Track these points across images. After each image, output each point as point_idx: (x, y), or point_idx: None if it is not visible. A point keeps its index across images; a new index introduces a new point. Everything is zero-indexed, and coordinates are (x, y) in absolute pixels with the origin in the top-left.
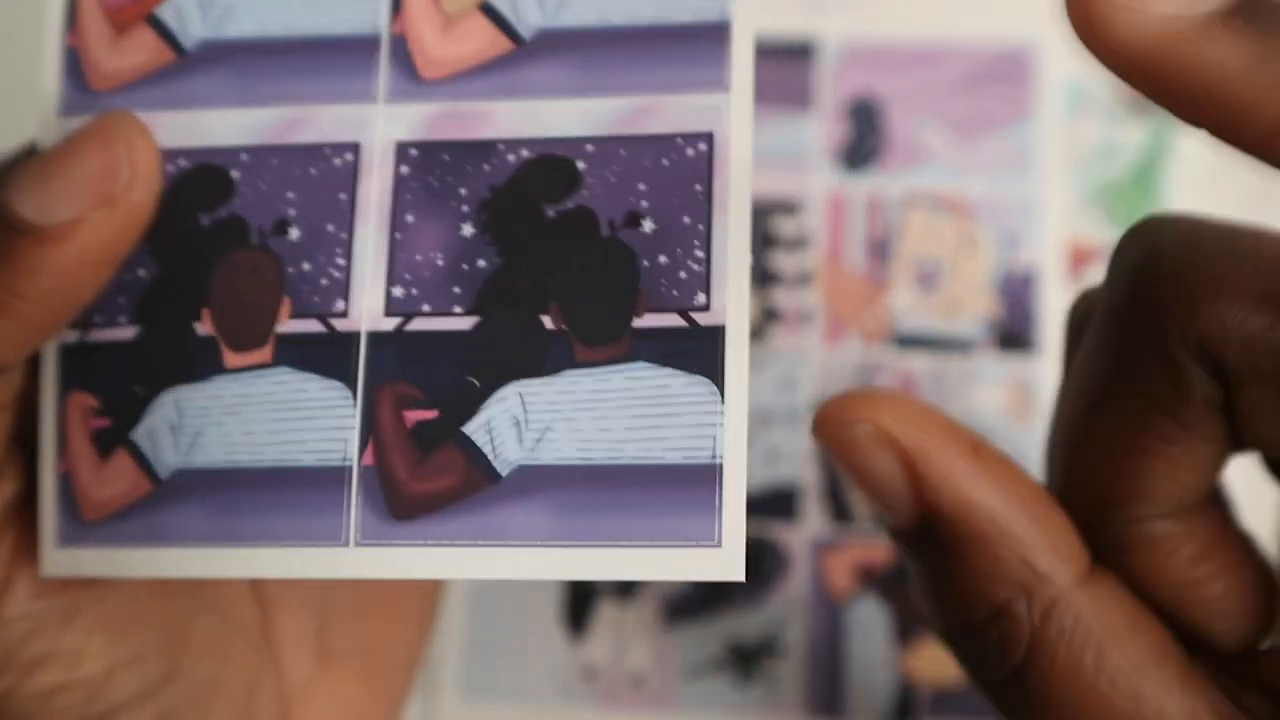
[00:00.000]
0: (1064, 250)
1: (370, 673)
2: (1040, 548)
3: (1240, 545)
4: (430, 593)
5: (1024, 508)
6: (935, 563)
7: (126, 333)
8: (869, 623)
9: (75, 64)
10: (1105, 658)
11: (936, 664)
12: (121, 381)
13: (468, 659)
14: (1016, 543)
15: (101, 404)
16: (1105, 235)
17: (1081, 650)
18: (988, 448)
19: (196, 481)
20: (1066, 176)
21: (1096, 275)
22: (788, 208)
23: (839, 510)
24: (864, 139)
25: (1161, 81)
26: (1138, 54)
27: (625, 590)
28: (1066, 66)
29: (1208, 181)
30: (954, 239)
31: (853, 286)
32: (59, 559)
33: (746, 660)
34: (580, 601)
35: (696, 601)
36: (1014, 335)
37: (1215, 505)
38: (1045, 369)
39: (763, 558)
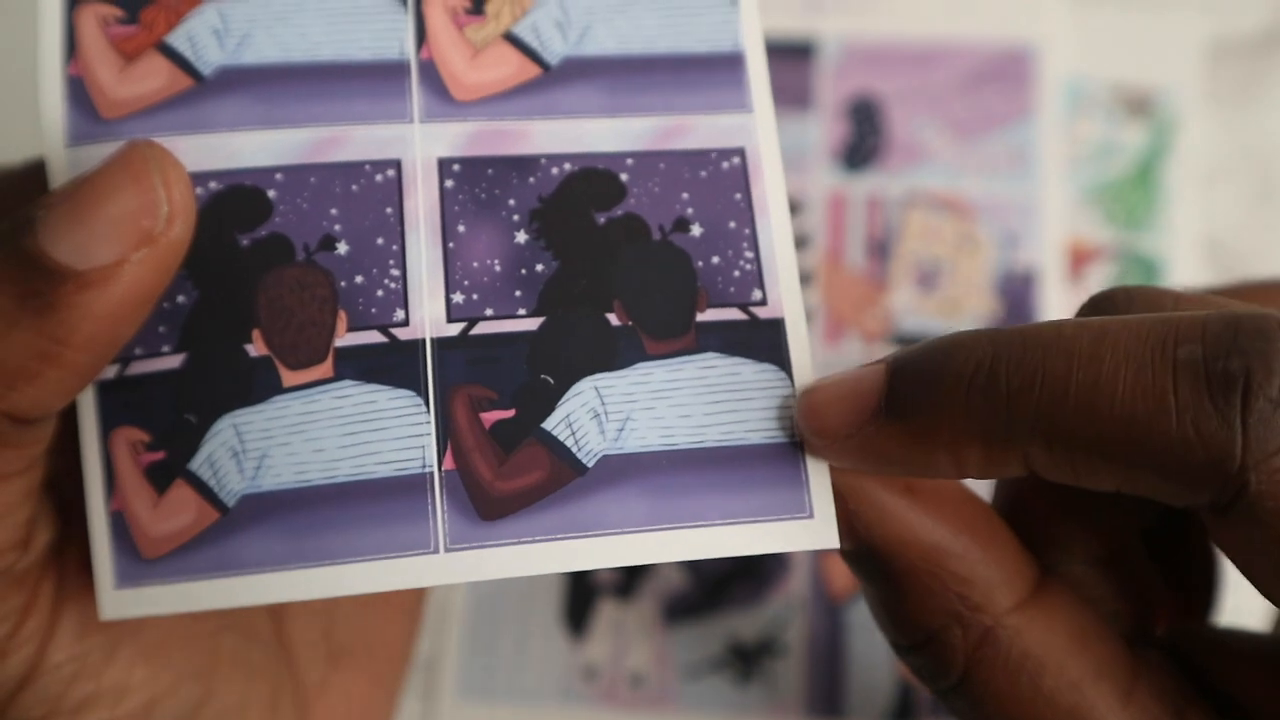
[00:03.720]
0: (1064, 250)
1: (374, 668)
2: (974, 580)
3: (1148, 595)
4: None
5: (961, 540)
6: (877, 587)
7: (172, 361)
8: (869, 623)
9: (81, 93)
10: (1042, 679)
11: None
12: (172, 412)
13: (468, 659)
14: (949, 576)
15: (153, 437)
16: (1105, 235)
17: (1017, 672)
18: (928, 480)
19: (268, 505)
20: (1066, 176)
21: (1096, 275)
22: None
23: None
24: (864, 139)
25: (873, 469)
26: (848, 463)
27: (625, 590)
28: (1066, 66)
29: (1207, 181)
30: (954, 239)
31: (853, 286)
32: (120, 600)
33: (746, 660)
34: (580, 601)
35: (696, 601)
36: None
37: (1133, 556)
38: None
39: (763, 558)
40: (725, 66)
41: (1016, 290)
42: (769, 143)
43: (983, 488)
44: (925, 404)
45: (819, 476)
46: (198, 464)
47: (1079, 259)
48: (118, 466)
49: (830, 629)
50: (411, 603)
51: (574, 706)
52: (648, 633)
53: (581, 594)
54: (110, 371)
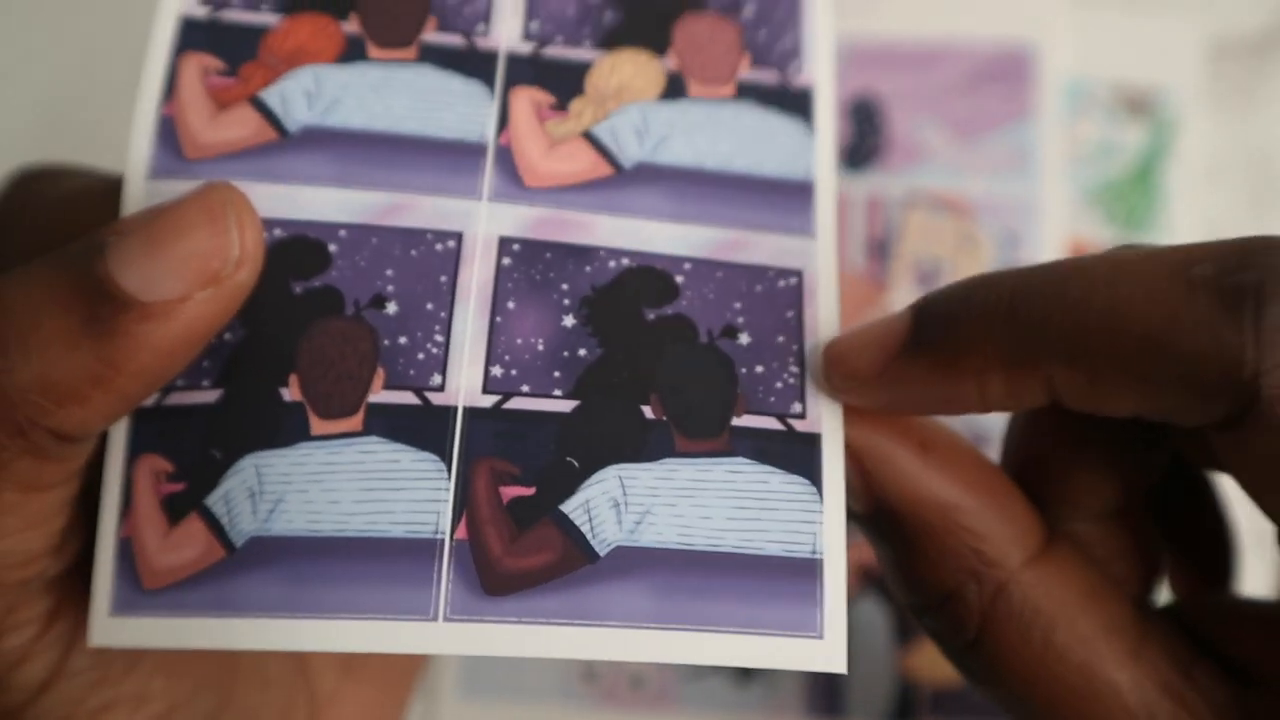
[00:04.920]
0: (1064, 250)
1: (386, 677)
2: (988, 536)
3: (1152, 553)
4: None
5: (974, 497)
6: (893, 548)
7: (209, 396)
8: (869, 623)
9: (170, 132)
10: (1054, 634)
11: (936, 664)
12: (199, 445)
13: (468, 659)
14: (964, 533)
15: (176, 468)
16: (1105, 235)
17: (1029, 628)
18: (940, 441)
19: (274, 550)
20: (1066, 176)
21: None
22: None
23: None
24: (864, 139)
25: (900, 408)
26: (876, 404)
27: None
28: (1066, 66)
29: (1207, 181)
30: (954, 239)
31: (853, 286)
32: (111, 628)
33: None
34: None
35: None
36: None
37: (1136, 514)
38: None
39: None
40: (794, 193)
41: None
42: (828, 268)
43: (989, 449)
44: (951, 334)
45: (834, 596)
46: (214, 500)
47: None
48: (137, 492)
49: None
50: None
51: (574, 706)
52: None
53: None
54: (149, 399)
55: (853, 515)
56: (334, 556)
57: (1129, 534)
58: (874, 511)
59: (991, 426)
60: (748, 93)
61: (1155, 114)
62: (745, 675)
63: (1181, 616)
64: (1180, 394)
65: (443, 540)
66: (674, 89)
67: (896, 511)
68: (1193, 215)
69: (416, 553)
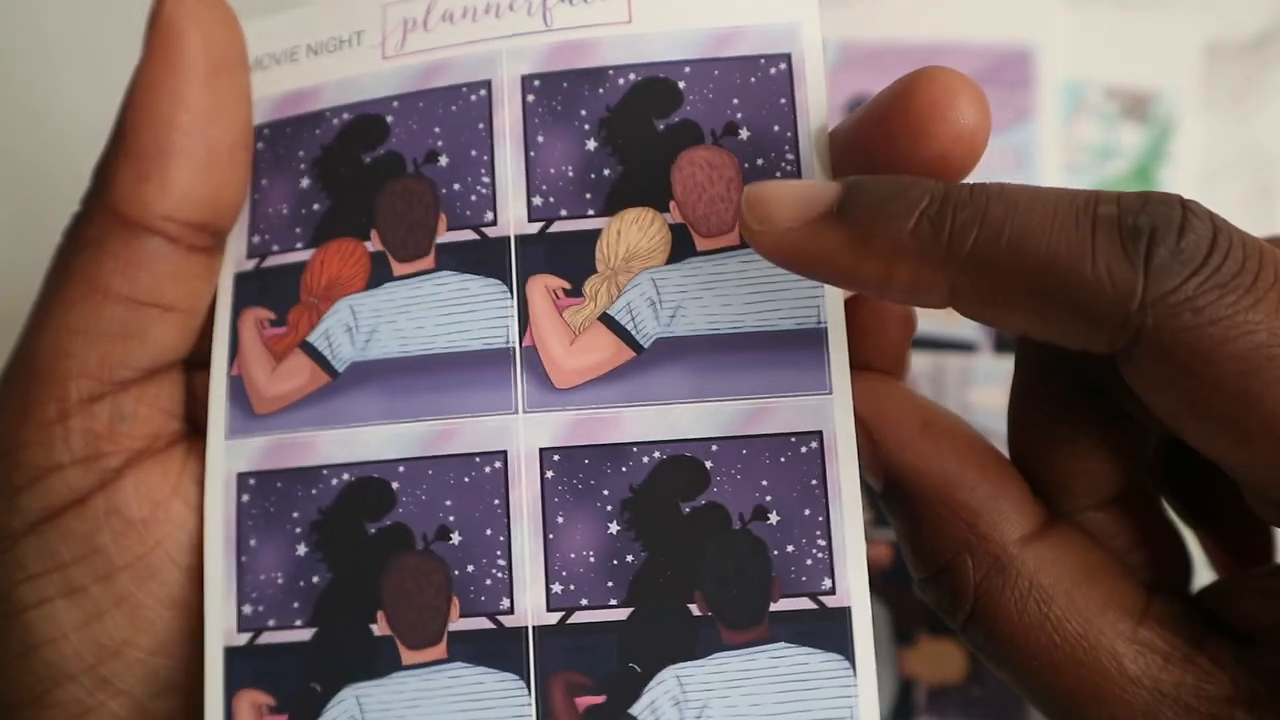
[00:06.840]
0: None
1: None
2: (982, 511)
3: (1168, 534)
4: None
5: (970, 474)
6: (899, 520)
7: (303, 635)
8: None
9: (240, 391)
10: (1049, 606)
11: (935, 663)
12: (298, 680)
13: None
14: (959, 507)
15: (278, 701)
16: None
17: (1024, 600)
18: (941, 421)
19: None
20: (1066, 177)
21: None
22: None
23: None
24: None
25: (799, 266)
26: (780, 255)
27: None
28: (1065, 68)
29: (1204, 183)
30: None
31: None
32: None
33: None
34: None
35: None
36: (1013, 336)
37: (1142, 497)
38: None
39: None
40: (808, 343)
41: None
42: (845, 424)
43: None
44: (877, 216)
45: None
46: None
47: None
48: None
49: None
50: None
51: None
52: None
53: None
54: (240, 639)
55: (870, 490)
56: None
57: (1135, 519)
58: (885, 484)
59: (998, 423)
60: None
61: (1153, 115)
62: None
63: (1203, 600)
64: (1071, 318)
65: None
66: (681, 246)
67: (899, 482)
68: None
69: None
